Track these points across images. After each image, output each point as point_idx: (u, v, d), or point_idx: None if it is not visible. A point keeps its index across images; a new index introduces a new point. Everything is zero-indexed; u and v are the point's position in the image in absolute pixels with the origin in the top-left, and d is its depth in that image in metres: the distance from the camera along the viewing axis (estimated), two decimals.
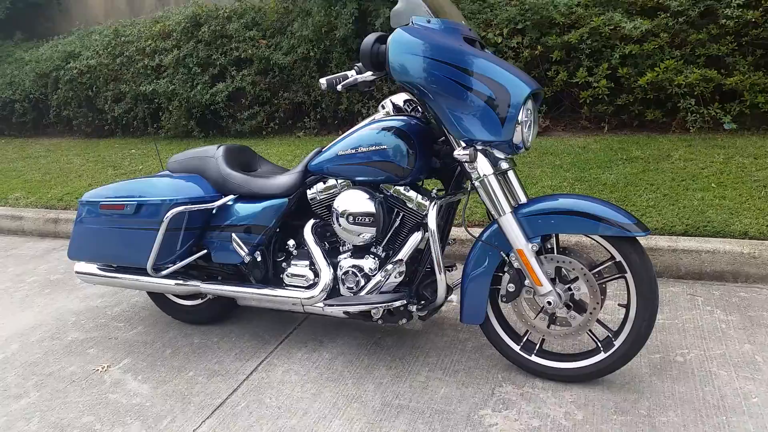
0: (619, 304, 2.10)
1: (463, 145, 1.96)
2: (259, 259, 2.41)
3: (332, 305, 2.22)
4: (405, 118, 2.13)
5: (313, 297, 2.26)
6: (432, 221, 2.03)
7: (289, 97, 5.97)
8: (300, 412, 2.08)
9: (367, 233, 2.17)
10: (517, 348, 2.14)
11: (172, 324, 2.83)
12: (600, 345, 2.05)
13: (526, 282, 2.04)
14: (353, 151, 2.15)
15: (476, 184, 2.00)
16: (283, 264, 2.43)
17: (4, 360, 2.63)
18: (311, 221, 2.36)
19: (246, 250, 2.37)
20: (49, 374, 2.48)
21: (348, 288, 2.25)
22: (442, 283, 2.06)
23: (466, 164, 1.99)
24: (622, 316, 2.03)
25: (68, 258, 2.63)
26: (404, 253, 2.17)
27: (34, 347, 2.73)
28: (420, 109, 2.21)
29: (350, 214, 2.16)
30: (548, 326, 2.08)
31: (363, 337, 2.54)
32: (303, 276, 2.35)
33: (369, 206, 2.14)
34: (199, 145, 6.16)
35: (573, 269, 2.01)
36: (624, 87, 4.54)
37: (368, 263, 2.23)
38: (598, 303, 1.99)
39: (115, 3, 9.20)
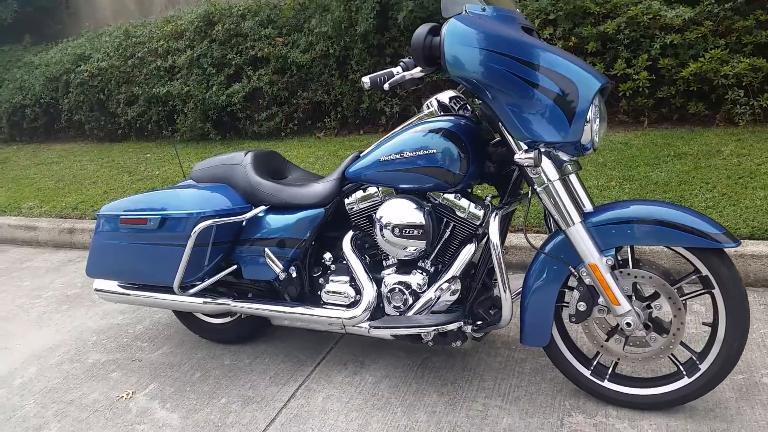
0: (703, 323, 1.89)
1: (525, 147, 1.75)
2: (294, 275, 2.22)
3: (379, 327, 2.02)
4: (453, 118, 1.93)
5: (355, 317, 2.07)
6: (495, 234, 1.83)
7: (308, 97, 5.78)
8: None
9: (416, 246, 1.97)
10: (587, 373, 1.94)
11: (200, 343, 2.65)
12: (683, 369, 1.84)
13: (600, 300, 1.83)
14: (397, 156, 1.96)
15: (539, 190, 1.80)
16: (320, 280, 2.24)
17: (22, 386, 2.46)
18: (350, 233, 2.17)
19: (280, 265, 2.18)
20: (70, 402, 2.31)
21: (395, 307, 2.05)
22: (509, 302, 1.86)
23: (529, 169, 1.78)
24: (708, 336, 1.82)
25: (87, 275, 2.46)
26: (457, 268, 1.97)
27: (53, 371, 2.56)
28: (470, 107, 2.01)
29: (396, 226, 1.96)
30: (623, 348, 1.87)
31: (407, 357, 2.34)
32: (343, 293, 2.16)
33: (417, 217, 1.94)
34: (216, 148, 6.02)
35: (653, 285, 1.80)
36: (665, 79, 4.30)
37: (416, 279, 2.03)
38: (682, 322, 1.78)
39: (124, 3, 9.07)
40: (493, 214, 1.86)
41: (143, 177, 5.18)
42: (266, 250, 2.20)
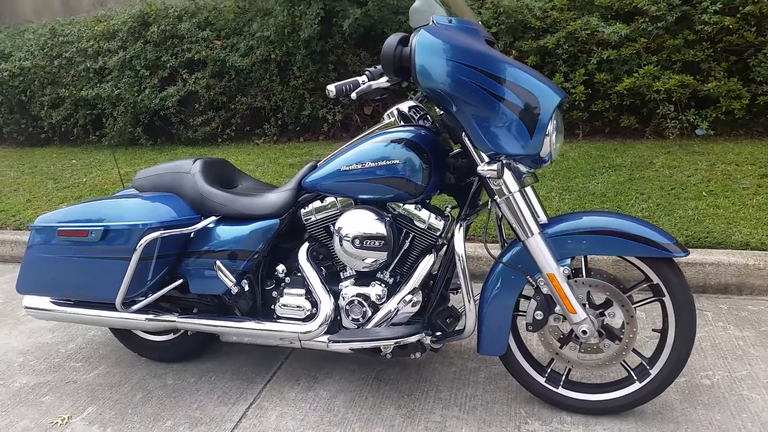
0: (653, 330, 1.96)
1: (487, 159, 1.78)
2: (246, 288, 2.15)
3: (338, 341, 1.98)
4: (415, 128, 1.93)
5: (312, 331, 2.02)
6: (460, 244, 1.83)
7: (246, 102, 5.66)
8: None
9: (376, 258, 1.95)
10: (542, 380, 1.98)
11: (139, 362, 2.52)
12: (634, 374, 1.90)
13: (557, 309, 1.87)
14: (358, 167, 1.93)
15: (499, 201, 1.83)
16: (274, 293, 2.18)
17: None
18: (305, 245, 2.12)
19: (233, 278, 2.10)
20: None
21: (353, 319, 2.02)
22: (473, 313, 1.86)
23: (491, 180, 1.81)
24: (657, 342, 1.90)
25: (17, 291, 2.29)
26: (417, 279, 1.97)
27: None
28: (429, 118, 2.02)
29: (356, 237, 1.94)
30: (578, 355, 1.92)
31: (361, 370, 2.31)
32: (299, 307, 2.11)
33: (379, 228, 1.92)
34: (147, 154, 5.79)
35: (607, 293, 1.86)
36: (600, 93, 4.49)
37: (376, 291, 2.01)
38: (635, 329, 1.85)
39: (47, 1, 8.60)
40: (458, 225, 1.87)
41: (69, 184, 4.91)
42: (217, 262, 2.11)
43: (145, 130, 5.99)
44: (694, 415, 1.92)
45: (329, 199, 2.06)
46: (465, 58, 1.67)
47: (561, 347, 1.93)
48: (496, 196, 1.83)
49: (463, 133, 1.79)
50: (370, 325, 1.99)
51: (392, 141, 1.91)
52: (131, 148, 6.05)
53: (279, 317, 2.15)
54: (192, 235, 2.15)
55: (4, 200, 4.66)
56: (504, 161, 1.77)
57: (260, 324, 2.11)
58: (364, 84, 1.87)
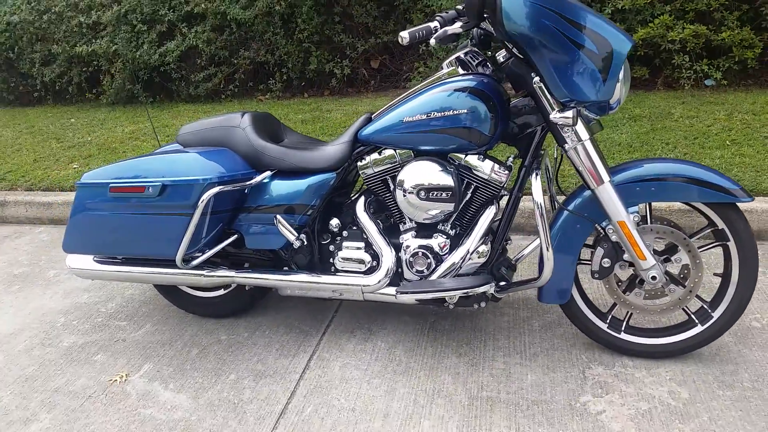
0: (714, 274, 2.00)
1: (559, 107, 1.76)
2: (304, 242, 2.13)
3: (407, 292, 1.98)
4: (478, 76, 1.89)
5: (375, 283, 2.02)
6: (538, 193, 1.82)
7: (249, 57, 5.51)
8: (380, 414, 1.86)
9: (443, 209, 1.94)
10: (604, 326, 2.01)
11: (187, 319, 2.50)
12: (695, 318, 1.94)
13: (625, 256, 1.89)
14: (423, 117, 1.90)
15: (568, 149, 1.82)
16: (330, 247, 2.16)
17: None
18: (362, 198, 2.10)
19: (294, 233, 2.08)
20: (55, 390, 2.12)
21: (417, 271, 2.02)
22: (550, 262, 1.87)
23: (563, 128, 1.79)
24: (718, 286, 1.93)
25: (64, 250, 2.23)
26: (480, 230, 1.96)
27: (23, 358, 2.33)
28: (489, 65, 1.98)
29: (423, 189, 1.91)
30: (643, 301, 1.95)
31: (414, 321, 2.33)
32: (359, 260, 2.10)
33: (446, 179, 1.90)
34: (147, 111, 5.62)
35: (673, 239, 1.88)
36: None
37: (438, 242, 2.01)
38: (700, 274, 1.88)
39: None
40: (534, 175, 1.86)
41: (74, 144, 4.76)
42: (278, 216, 2.08)
43: (144, 88, 5.81)
44: (751, 356, 1.98)
45: (388, 152, 2.02)
46: (548, 3, 1.63)
47: (626, 293, 1.96)
48: (566, 144, 1.82)
49: (535, 80, 1.76)
50: (434, 276, 1.99)
51: (457, 90, 1.87)
52: (130, 106, 5.88)
53: (338, 270, 2.14)
54: (246, 190, 2.11)
55: (9, 161, 4.51)
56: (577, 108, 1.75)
57: (321, 277, 2.10)
58: (436, 30, 1.81)
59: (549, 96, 1.77)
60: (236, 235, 2.18)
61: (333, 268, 2.15)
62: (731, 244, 1.85)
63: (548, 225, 1.91)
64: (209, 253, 2.13)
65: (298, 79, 5.54)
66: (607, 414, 1.78)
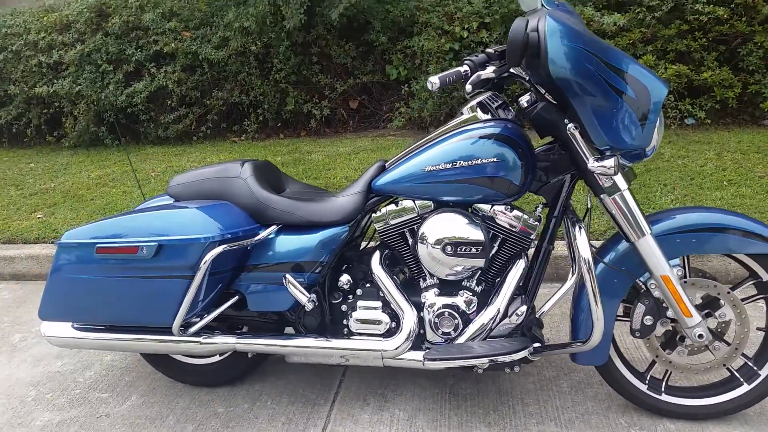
0: (758, 328, 1.90)
1: (597, 155, 1.66)
2: (315, 303, 1.95)
3: (436, 359, 1.81)
4: (503, 121, 1.79)
5: (397, 347, 1.85)
6: (585, 248, 1.70)
7: (222, 97, 5.35)
8: None
9: (472, 265, 1.80)
10: (644, 388, 1.88)
11: (176, 388, 2.26)
12: (740, 376, 1.84)
13: (668, 313, 1.78)
14: (447, 166, 1.77)
15: (606, 199, 1.72)
16: (342, 307, 1.99)
17: None
18: (377, 253, 1.94)
19: (306, 294, 1.90)
20: None
21: (443, 333, 1.86)
22: (601, 323, 1.73)
23: (601, 177, 1.70)
24: (761, 342, 1.84)
25: (40, 318, 1.99)
26: (510, 286, 1.82)
27: None
28: (512, 110, 1.88)
29: (449, 243, 1.78)
30: (686, 359, 1.84)
31: (432, 385, 2.16)
32: (376, 321, 1.93)
33: (475, 233, 1.77)
34: (114, 155, 5.35)
35: (717, 293, 1.78)
36: None
37: (464, 300, 1.86)
38: (746, 330, 1.78)
39: None
40: (577, 228, 1.74)
41: (37, 191, 4.46)
42: (287, 276, 1.90)
43: (110, 130, 5.56)
44: None
45: (406, 203, 1.89)
46: (591, 47, 1.56)
47: (666, 351, 1.84)
48: (603, 194, 1.72)
49: (569, 126, 1.67)
50: (462, 339, 1.84)
51: (483, 137, 1.76)
52: (94, 149, 5.61)
53: (351, 333, 1.96)
54: (250, 246, 1.93)
55: None
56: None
57: (333, 341, 1.92)
58: (467, 74, 1.70)
59: (585, 143, 1.68)
60: (237, 296, 1.99)
61: (346, 330, 1.98)
62: None
63: (580, 281, 1.79)
64: (208, 318, 1.93)
65: (274, 119, 5.40)
66: None
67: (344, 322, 1.98)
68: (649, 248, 1.70)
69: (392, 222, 1.91)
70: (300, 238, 1.94)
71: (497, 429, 1.91)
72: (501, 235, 1.85)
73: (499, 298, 1.83)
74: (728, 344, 1.80)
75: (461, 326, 1.85)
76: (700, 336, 1.74)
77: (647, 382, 1.89)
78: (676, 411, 1.88)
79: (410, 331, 1.86)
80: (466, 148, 1.77)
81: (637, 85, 1.60)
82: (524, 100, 1.82)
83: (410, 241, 1.92)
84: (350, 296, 1.99)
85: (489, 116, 1.83)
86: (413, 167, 1.84)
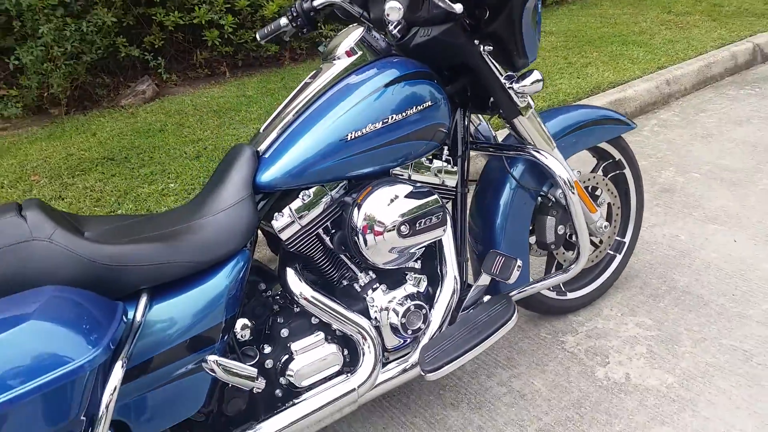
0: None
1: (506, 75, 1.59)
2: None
3: (437, 367, 1.45)
4: (400, 57, 1.52)
5: (371, 374, 1.45)
6: (563, 169, 1.57)
7: None
8: None
9: (432, 239, 1.48)
10: (553, 294, 1.96)
11: None
12: (612, 251, 2.07)
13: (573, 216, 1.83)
14: (378, 126, 1.40)
15: (522, 121, 1.64)
16: (267, 363, 1.41)
17: None
18: (288, 270, 1.43)
19: (249, 370, 1.26)
20: None
21: (413, 331, 1.52)
22: (587, 251, 1.64)
23: (522, 97, 1.59)
24: (618, 215, 2.06)
25: None
26: (450, 247, 1.60)
27: None
28: (384, 42, 1.56)
29: (406, 222, 1.41)
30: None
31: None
32: (327, 358, 1.44)
33: (430, 199, 1.45)
34: None
35: (597, 183, 1.93)
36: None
37: (417, 283, 1.55)
38: (619, 208, 2.00)
39: None
40: (548, 155, 1.59)
41: None
42: (211, 358, 1.22)
43: None
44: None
45: (312, 192, 1.41)
46: None
47: (572, 253, 1.92)
48: (518, 117, 1.62)
49: (483, 48, 1.51)
50: (431, 329, 1.54)
51: (403, 80, 1.46)
52: None
53: (297, 389, 1.43)
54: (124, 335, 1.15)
55: None
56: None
57: (287, 414, 1.37)
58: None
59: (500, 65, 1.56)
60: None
61: (285, 391, 1.42)
62: (627, 171, 2.02)
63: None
64: None
65: None
66: (634, 373, 1.76)
67: (280, 382, 1.42)
68: (558, 159, 1.70)
69: (304, 223, 1.41)
70: (192, 294, 1.25)
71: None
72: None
73: (448, 266, 1.58)
74: (611, 225, 1.98)
75: (429, 316, 1.54)
76: (605, 226, 1.88)
77: (553, 288, 1.96)
78: (582, 302, 2.03)
79: (375, 347, 1.46)
80: (391, 97, 1.43)
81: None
82: (395, 29, 1.52)
83: (326, 240, 1.47)
84: (265, 346, 1.42)
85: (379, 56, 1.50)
86: (323, 142, 1.38)
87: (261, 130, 1.49)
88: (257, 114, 3.38)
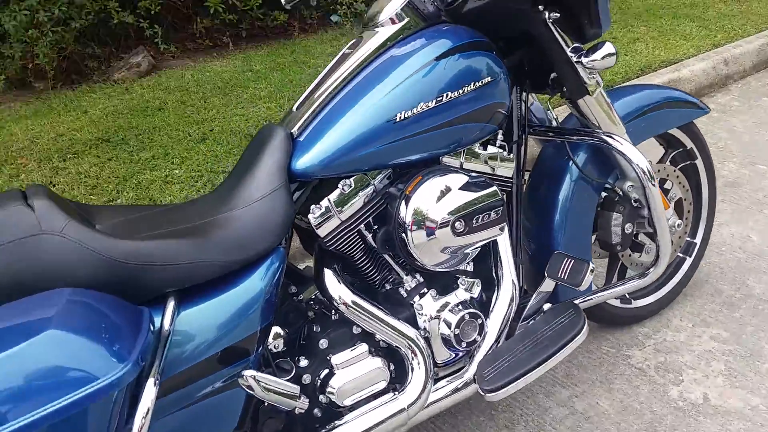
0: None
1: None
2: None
3: (500, 387, 1.39)
4: (452, 25, 1.44)
5: (422, 392, 1.37)
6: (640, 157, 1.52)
7: None
8: None
9: (489, 237, 1.41)
10: (617, 303, 1.88)
11: None
12: (681, 253, 1.99)
13: (645, 213, 1.75)
14: (431, 105, 1.31)
15: (588, 101, 1.56)
16: (304, 377, 1.35)
17: None
18: (327, 271, 1.36)
19: (296, 388, 1.21)
20: None
21: (467, 344, 1.45)
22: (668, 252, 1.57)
23: (592, 73, 1.52)
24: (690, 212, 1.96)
25: None
26: (507, 247, 1.53)
27: None
28: (437, 5, 1.49)
29: (462, 217, 1.33)
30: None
31: None
32: (373, 373, 1.38)
33: (489, 191, 1.37)
34: None
35: (667, 175, 1.85)
36: None
37: (473, 291, 1.49)
38: (691, 204, 1.93)
39: None
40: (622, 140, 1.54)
41: None
42: (246, 374, 1.16)
43: None
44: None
45: (353, 182, 1.34)
46: None
47: (638, 256, 1.84)
48: (585, 96, 1.55)
49: (550, 16, 1.43)
50: (488, 340, 1.47)
51: (457, 51, 1.36)
52: None
53: (340, 410, 1.36)
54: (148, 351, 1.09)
55: None
56: None
57: None
58: None
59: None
60: None
61: (324, 411, 1.36)
62: (698, 162, 1.93)
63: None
64: None
65: None
66: (713, 393, 1.69)
67: (320, 400, 1.36)
68: (628, 144, 1.62)
69: (345, 217, 1.34)
70: (223, 299, 1.18)
71: None
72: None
73: (504, 269, 1.50)
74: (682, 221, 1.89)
75: (485, 327, 1.48)
76: (678, 224, 1.80)
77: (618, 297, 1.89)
78: (649, 311, 1.93)
79: (427, 362, 1.38)
80: (445, 72, 1.33)
81: None
82: None
83: (368, 237, 1.40)
84: (301, 359, 1.36)
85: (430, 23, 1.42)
86: (367, 123, 1.29)
87: (294, 109, 1.40)
88: (267, 92, 3.29)
